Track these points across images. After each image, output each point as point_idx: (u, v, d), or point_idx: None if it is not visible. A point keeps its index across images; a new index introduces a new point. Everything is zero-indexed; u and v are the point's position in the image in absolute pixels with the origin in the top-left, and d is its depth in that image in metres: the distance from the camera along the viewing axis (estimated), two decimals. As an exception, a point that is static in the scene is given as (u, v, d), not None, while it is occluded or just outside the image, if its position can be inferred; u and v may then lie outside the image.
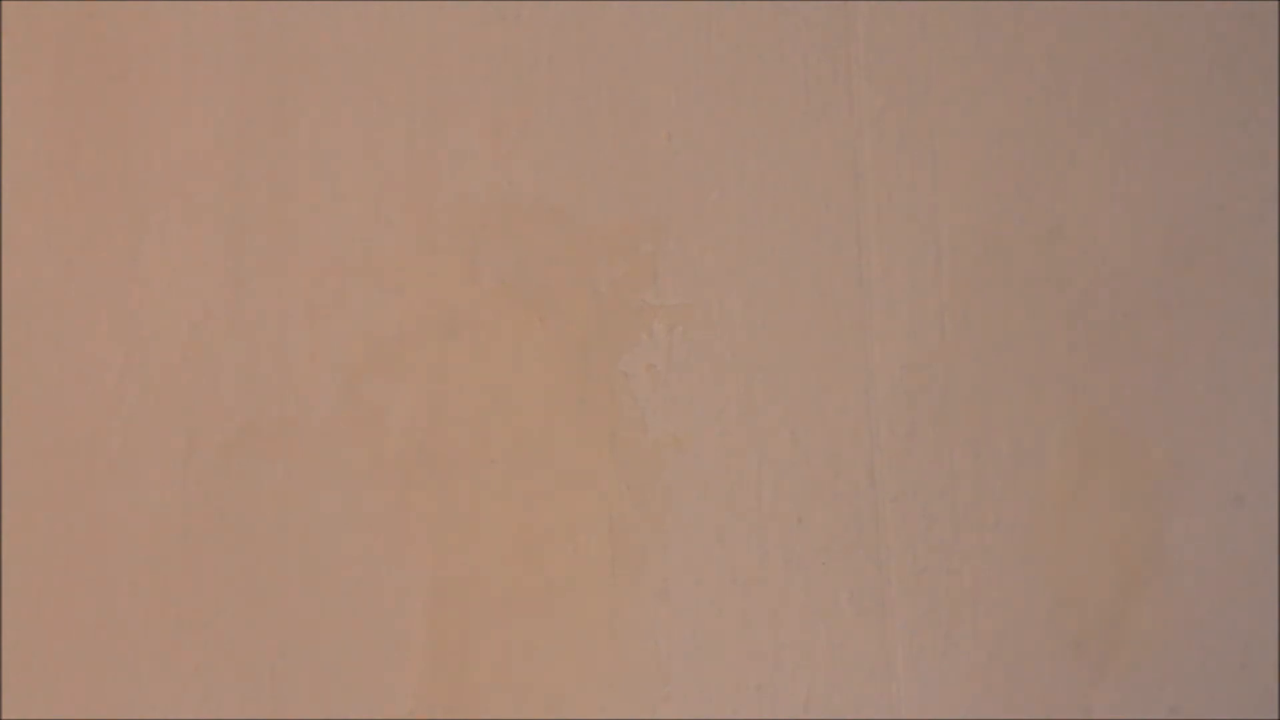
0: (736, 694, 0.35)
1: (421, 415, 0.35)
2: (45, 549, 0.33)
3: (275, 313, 0.34)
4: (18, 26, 0.34)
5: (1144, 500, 0.38)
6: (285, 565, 0.34)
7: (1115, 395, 0.38)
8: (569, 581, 0.35)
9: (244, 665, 0.33)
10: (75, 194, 0.34)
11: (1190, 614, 0.38)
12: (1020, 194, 0.38)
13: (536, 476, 0.35)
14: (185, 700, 0.33)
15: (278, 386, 0.34)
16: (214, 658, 0.33)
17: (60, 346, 0.34)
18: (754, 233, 0.37)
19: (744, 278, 0.36)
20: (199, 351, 0.34)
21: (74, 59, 0.34)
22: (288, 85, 0.35)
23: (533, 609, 0.35)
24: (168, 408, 0.34)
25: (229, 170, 0.35)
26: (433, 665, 0.34)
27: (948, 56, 0.38)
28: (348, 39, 0.35)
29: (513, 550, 0.35)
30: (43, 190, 0.34)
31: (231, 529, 0.34)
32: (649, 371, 0.36)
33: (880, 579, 0.36)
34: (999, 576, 0.37)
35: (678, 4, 0.37)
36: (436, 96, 0.36)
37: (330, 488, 0.34)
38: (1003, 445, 0.38)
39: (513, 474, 0.35)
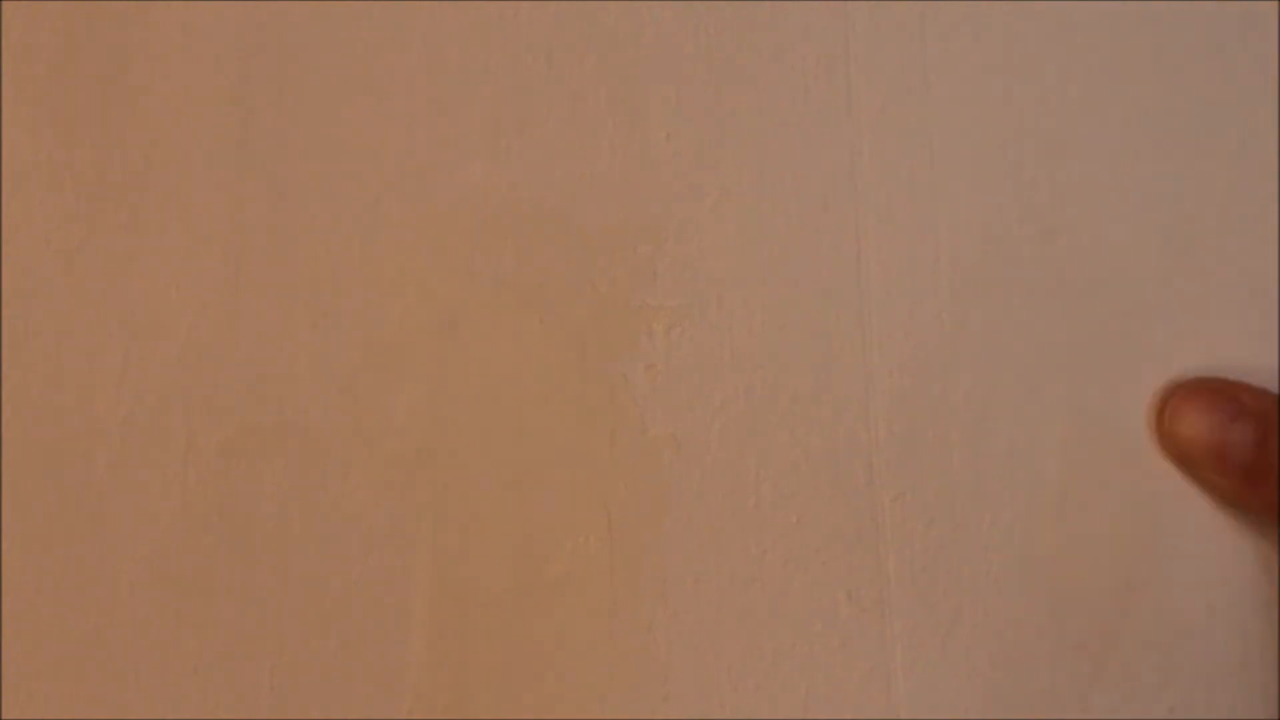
0: (735, 694, 0.35)
1: (421, 415, 0.35)
2: (45, 549, 0.33)
3: (275, 313, 0.35)
4: (17, 26, 0.34)
5: (1144, 500, 0.38)
6: (285, 565, 0.34)
7: (1115, 395, 0.38)
8: (569, 581, 0.35)
9: (244, 665, 0.34)
10: (75, 194, 0.34)
11: (1190, 614, 0.38)
12: (1020, 194, 0.38)
13: (536, 476, 0.35)
14: (185, 700, 0.33)
15: (278, 386, 0.34)
16: (214, 658, 0.33)
17: (60, 346, 0.34)
18: (753, 233, 0.37)
19: (743, 278, 0.36)
20: (199, 351, 0.34)
21: (74, 59, 0.34)
22: (288, 85, 0.35)
23: (532, 609, 0.35)
24: (167, 408, 0.34)
25: (229, 170, 0.35)
26: (432, 665, 0.34)
27: (947, 56, 0.38)
28: (347, 39, 0.35)
29: (512, 550, 0.35)
30: (42, 190, 0.34)
31: (231, 529, 0.34)
32: (648, 372, 0.36)
33: (879, 579, 0.36)
34: (999, 576, 0.37)
35: (677, 4, 0.37)
36: (436, 96, 0.36)
37: (330, 488, 0.34)
38: (1002, 445, 0.37)
39: (512, 474, 0.35)
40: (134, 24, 0.35)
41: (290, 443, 0.34)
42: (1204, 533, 0.38)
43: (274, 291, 0.34)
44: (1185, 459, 0.37)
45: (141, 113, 0.34)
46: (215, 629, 0.33)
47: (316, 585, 0.34)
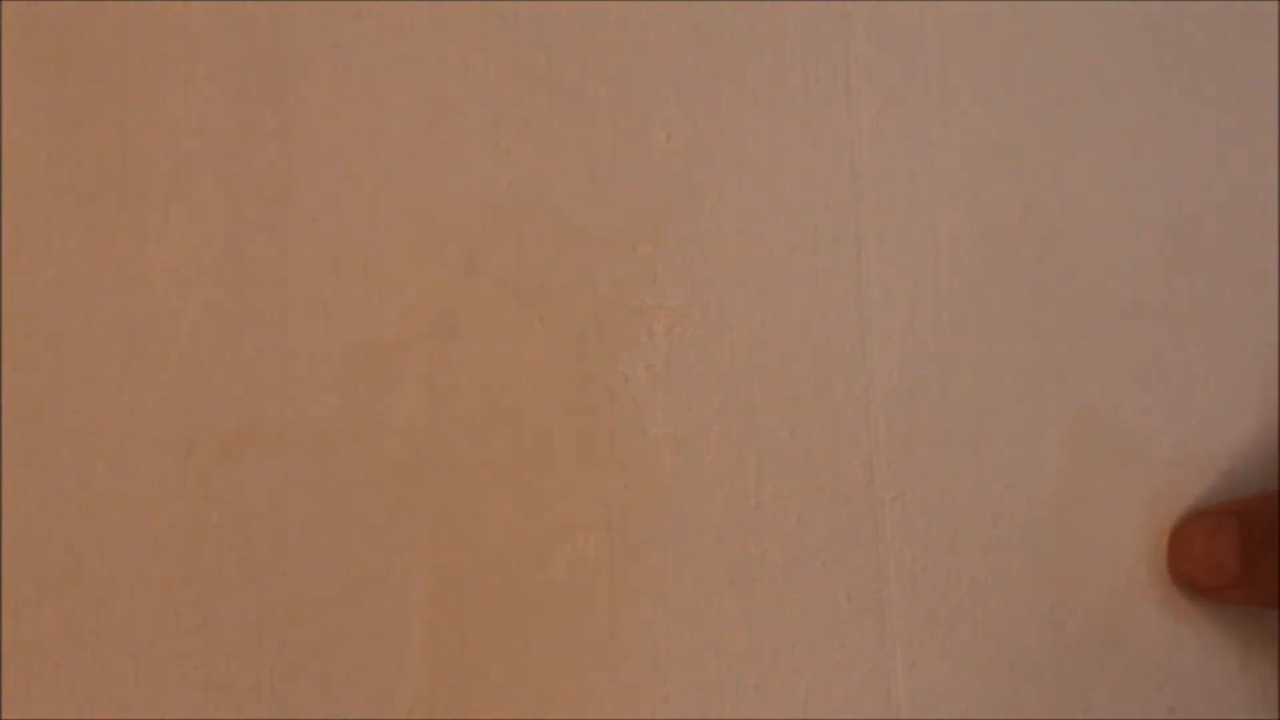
0: (735, 694, 0.36)
1: (421, 415, 0.35)
2: (45, 549, 0.33)
3: (275, 313, 0.35)
4: (18, 26, 0.34)
5: (1144, 500, 0.38)
6: (285, 565, 0.34)
7: (1115, 395, 0.38)
8: (569, 581, 0.35)
9: (244, 665, 0.34)
10: (75, 194, 0.34)
11: (1190, 614, 0.38)
12: (1020, 194, 0.38)
13: (536, 476, 0.35)
14: (185, 700, 0.33)
15: (278, 386, 0.34)
16: (214, 658, 0.33)
17: (60, 346, 0.34)
18: (753, 233, 0.37)
19: (743, 278, 0.36)
20: (199, 351, 0.34)
21: (74, 59, 0.34)
22: (288, 85, 0.35)
23: (533, 609, 0.35)
24: (168, 408, 0.34)
25: (229, 170, 0.35)
26: (432, 665, 0.34)
27: (948, 56, 0.38)
28: (347, 39, 0.35)
29: (513, 550, 0.35)
30: (43, 190, 0.34)
31: (231, 529, 0.34)
32: (648, 372, 0.36)
33: (880, 579, 0.36)
34: (999, 576, 0.37)
35: (678, 4, 0.37)
36: (436, 96, 0.36)
37: (330, 488, 0.34)
38: (1003, 445, 0.38)
39: (513, 474, 0.35)
40: (134, 24, 0.35)
41: (290, 443, 0.34)
42: (1204, 533, 0.38)
43: (274, 291, 0.34)
44: (1201, 588, 0.37)
45: (141, 113, 0.34)
46: (215, 629, 0.33)
47: (316, 585, 0.34)
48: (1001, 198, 0.38)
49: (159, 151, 0.34)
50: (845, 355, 0.37)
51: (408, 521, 0.34)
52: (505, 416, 0.35)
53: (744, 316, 0.36)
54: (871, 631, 0.36)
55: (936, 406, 0.37)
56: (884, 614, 0.36)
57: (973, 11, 0.38)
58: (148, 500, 0.34)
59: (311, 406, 0.34)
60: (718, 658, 0.35)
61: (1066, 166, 0.38)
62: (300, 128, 0.35)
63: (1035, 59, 0.38)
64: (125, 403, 0.34)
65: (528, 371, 0.35)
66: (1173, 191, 0.39)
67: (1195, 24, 0.39)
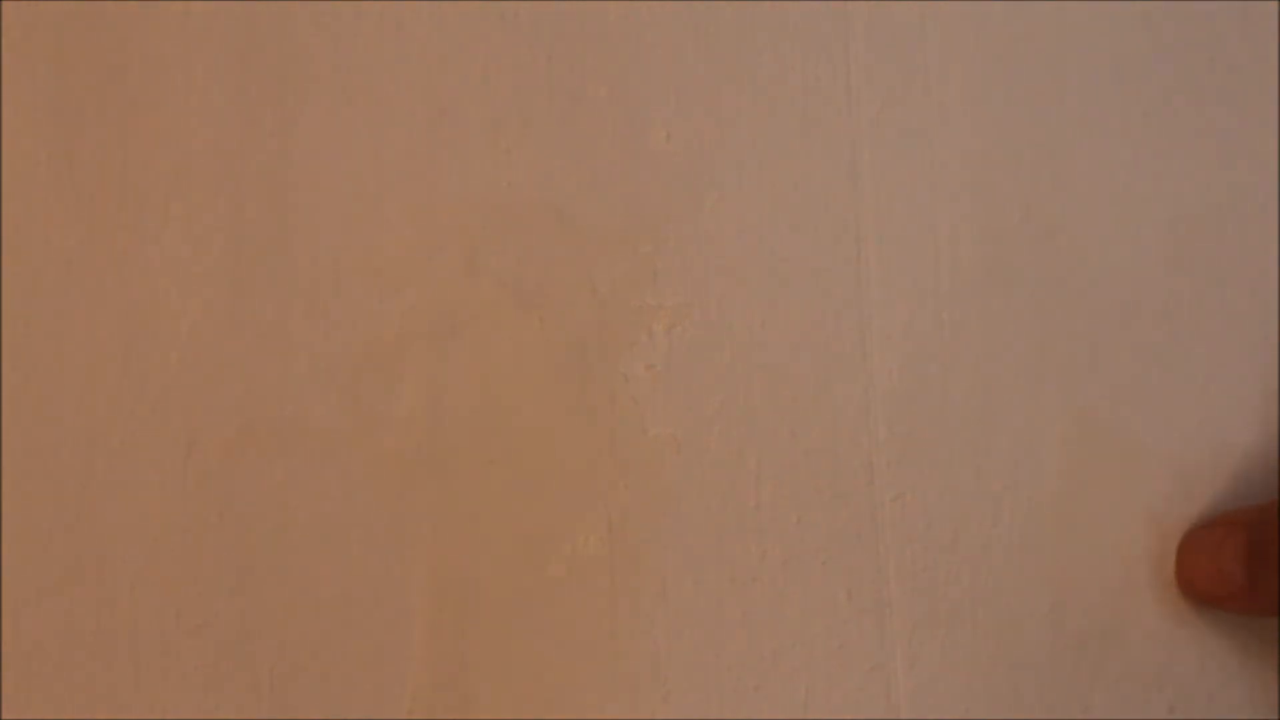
0: (735, 694, 0.36)
1: (421, 415, 0.35)
2: (45, 549, 0.33)
3: (275, 313, 0.35)
4: (17, 26, 0.34)
5: (1143, 501, 0.38)
6: (285, 565, 0.34)
7: (1115, 395, 0.38)
8: (569, 581, 0.35)
9: (244, 665, 0.34)
10: (75, 194, 0.34)
11: (1190, 614, 0.38)
12: (1020, 194, 0.38)
13: (536, 476, 0.35)
14: (184, 700, 0.33)
15: (278, 386, 0.34)
16: (213, 658, 0.33)
17: (60, 346, 0.34)
18: (753, 233, 0.37)
19: (743, 277, 0.36)
20: (199, 351, 0.34)
21: (74, 59, 0.34)
22: (288, 85, 0.35)
23: (532, 609, 0.35)
24: (168, 408, 0.34)
25: (229, 170, 0.35)
26: (432, 665, 0.34)
27: (948, 56, 0.38)
28: (347, 39, 0.35)
29: (512, 550, 0.35)
30: (43, 190, 0.34)
31: (231, 529, 0.34)
32: (648, 371, 0.36)
33: (879, 578, 0.36)
34: (999, 576, 0.37)
35: (677, 4, 0.37)
36: (436, 96, 0.36)
37: (330, 488, 0.34)
38: (1003, 445, 0.38)
39: (513, 474, 0.35)
40: (134, 24, 0.35)
41: (290, 443, 0.34)
42: (1204, 533, 0.38)
43: (274, 291, 0.34)
44: (1206, 597, 0.37)
45: (141, 113, 0.34)
46: (215, 629, 0.33)
47: (316, 585, 0.34)
48: (1001, 198, 0.38)
49: (159, 151, 0.34)
50: (845, 355, 0.37)
51: (408, 521, 0.35)
52: (505, 416, 0.35)
53: (744, 316, 0.36)
54: (871, 631, 0.36)
55: (936, 406, 0.37)
56: (884, 614, 0.36)
57: (973, 12, 0.38)
58: (148, 500, 0.34)
59: (311, 406, 0.34)
60: (718, 658, 0.36)
61: (1066, 166, 0.38)
62: (300, 128, 0.35)
63: (1035, 59, 0.38)
64: (125, 403, 0.34)
65: (528, 371, 0.35)
66: (1173, 191, 0.39)
67: (1195, 24, 0.39)
